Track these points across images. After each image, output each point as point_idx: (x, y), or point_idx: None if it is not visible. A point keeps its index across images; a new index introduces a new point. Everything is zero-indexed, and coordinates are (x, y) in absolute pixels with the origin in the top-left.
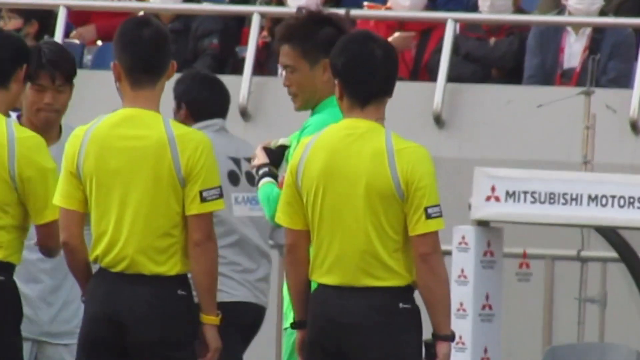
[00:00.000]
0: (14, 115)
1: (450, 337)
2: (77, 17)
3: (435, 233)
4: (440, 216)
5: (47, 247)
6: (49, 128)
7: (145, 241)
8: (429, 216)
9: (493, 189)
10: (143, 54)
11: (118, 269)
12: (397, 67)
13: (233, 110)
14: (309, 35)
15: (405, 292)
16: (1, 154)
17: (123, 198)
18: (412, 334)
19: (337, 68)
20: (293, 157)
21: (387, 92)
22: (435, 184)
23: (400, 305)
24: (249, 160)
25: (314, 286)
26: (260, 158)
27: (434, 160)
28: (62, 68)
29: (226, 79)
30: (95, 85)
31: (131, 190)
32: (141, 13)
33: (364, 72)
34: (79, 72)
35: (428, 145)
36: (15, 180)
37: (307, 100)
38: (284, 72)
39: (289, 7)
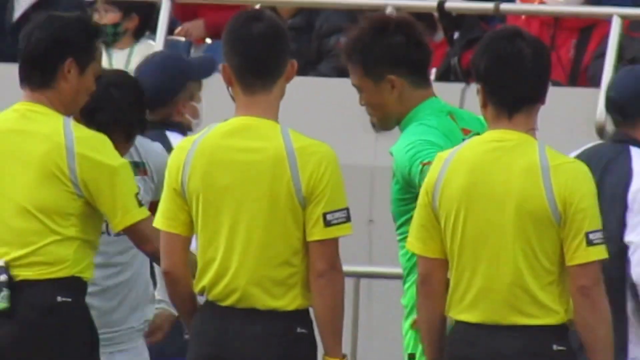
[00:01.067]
0: None
1: None
2: (184, 11)
3: (598, 263)
4: (604, 243)
5: (146, 253)
6: None
7: (260, 271)
8: (590, 243)
9: None
10: (255, 54)
11: (228, 302)
12: (550, 69)
13: (363, 120)
14: (367, 50)
15: (560, 331)
16: (60, 157)
17: (234, 220)
18: None
19: (479, 71)
20: (429, 174)
21: (539, 98)
22: (597, 205)
23: (555, 347)
24: None
25: (450, 323)
26: None
27: None
28: None
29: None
30: (203, 89)
31: (244, 211)
32: (257, 6)
33: (511, 75)
34: None
35: None
36: (79, 185)
37: (382, 119)
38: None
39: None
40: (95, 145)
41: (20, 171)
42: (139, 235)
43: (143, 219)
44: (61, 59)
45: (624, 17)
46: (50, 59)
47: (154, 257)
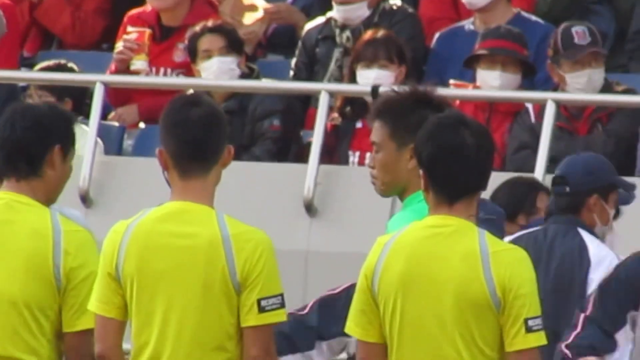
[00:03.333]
0: None
1: None
2: (117, 96)
3: (537, 349)
4: (542, 330)
5: (80, 356)
6: None
7: (194, 356)
8: (529, 329)
9: None
10: (192, 138)
11: None
12: (493, 157)
13: (296, 204)
14: (402, 114)
15: None
16: (46, 250)
17: (168, 305)
18: None
19: (422, 158)
20: (369, 258)
21: (481, 186)
22: (537, 292)
23: None
24: None
25: None
26: None
27: None
28: None
29: (289, 167)
30: (137, 173)
31: (177, 297)
32: (191, 91)
33: (453, 166)
34: (119, 158)
35: None
36: (61, 280)
37: (387, 184)
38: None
39: (361, 85)
40: (82, 243)
41: (7, 261)
42: (85, 341)
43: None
44: (49, 147)
45: (558, 102)
46: (38, 147)
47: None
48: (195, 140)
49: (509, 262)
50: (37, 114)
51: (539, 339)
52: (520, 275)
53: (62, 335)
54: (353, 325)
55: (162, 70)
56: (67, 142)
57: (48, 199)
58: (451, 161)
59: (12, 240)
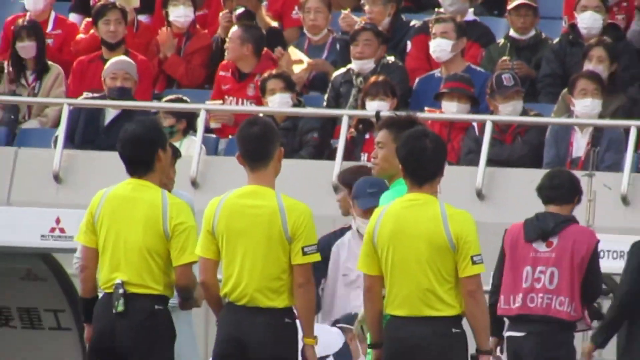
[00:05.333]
0: None
1: (489, 352)
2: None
3: (479, 275)
4: (482, 262)
5: (184, 285)
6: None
7: (262, 283)
8: (474, 262)
9: None
10: (252, 146)
11: (241, 303)
12: (446, 156)
13: (328, 186)
14: (402, 127)
15: (457, 320)
16: (157, 215)
17: (245, 251)
18: (462, 351)
19: (400, 158)
20: (370, 222)
21: (438, 174)
22: (478, 238)
23: (453, 330)
24: None
25: (386, 317)
26: None
27: (478, 224)
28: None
29: (324, 164)
30: (228, 168)
31: (251, 245)
32: (260, 114)
33: (419, 162)
34: (216, 158)
35: (472, 211)
36: (168, 233)
37: (384, 170)
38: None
39: (368, 111)
40: (180, 209)
41: (134, 223)
42: (188, 271)
43: (193, 261)
44: (154, 153)
45: (493, 122)
46: (146, 156)
47: (183, 288)
48: (255, 148)
49: (460, 220)
50: (140, 135)
51: (481, 268)
52: (468, 228)
53: (173, 269)
54: (362, 265)
55: (240, 100)
56: (164, 142)
57: (160, 181)
58: (417, 160)
59: (137, 210)
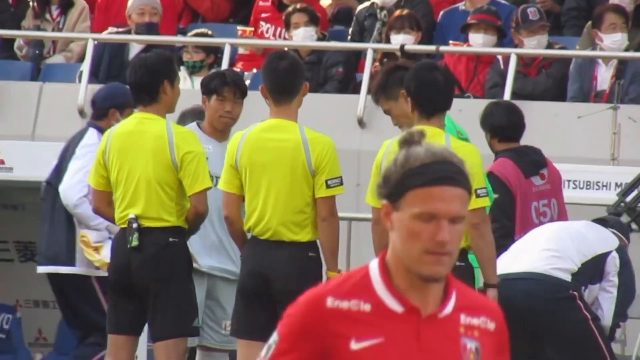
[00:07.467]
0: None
1: (496, 285)
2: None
3: (484, 208)
4: (487, 195)
5: (198, 212)
6: (226, 131)
7: (285, 216)
8: (478, 195)
9: None
10: (280, 80)
11: (265, 236)
12: (454, 89)
13: (352, 119)
14: (388, 84)
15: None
16: (164, 146)
17: (268, 184)
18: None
19: (409, 90)
20: (379, 154)
21: (447, 107)
22: (483, 171)
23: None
24: None
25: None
26: None
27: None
28: (240, 86)
29: (348, 98)
30: (252, 101)
31: (274, 178)
32: (285, 48)
33: (429, 94)
34: None
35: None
36: (177, 163)
37: (407, 124)
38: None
39: (393, 44)
40: (186, 138)
41: (142, 157)
42: (201, 197)
43: (206, 188)
44: (160, 82)
45: (518, 55)
46: (152, 85)
47: (198, 215)
48: (283, 82)
49: (464, 152)
50: (148, 62)
51: (485, 201)
52: (472, 160)
53: (188, 198)
54: (370, 196)
55: (277, 29)
56: (172, 76)
57: (166, 113)
58: (428, 91)
59: (143, 142)
